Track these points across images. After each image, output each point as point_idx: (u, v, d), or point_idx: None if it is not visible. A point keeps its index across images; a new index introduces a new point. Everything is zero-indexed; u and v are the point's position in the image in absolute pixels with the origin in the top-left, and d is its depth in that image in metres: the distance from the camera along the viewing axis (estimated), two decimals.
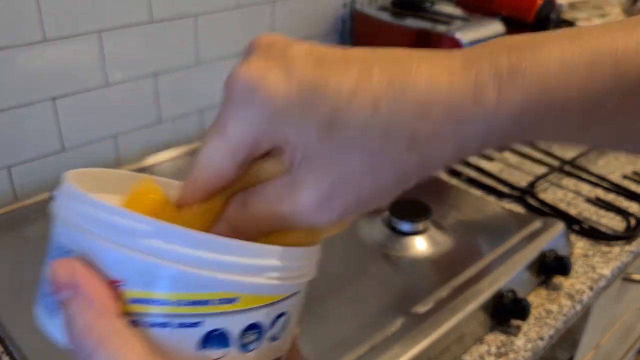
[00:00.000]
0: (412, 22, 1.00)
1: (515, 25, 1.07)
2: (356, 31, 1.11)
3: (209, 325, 0.23)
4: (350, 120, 0.22)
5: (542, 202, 0.84)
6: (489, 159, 0.97)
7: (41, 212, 0.75)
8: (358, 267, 0.67)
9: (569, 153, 1.01)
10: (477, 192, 0.87)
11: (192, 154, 0.91)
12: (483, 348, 0.61)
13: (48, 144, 0.82)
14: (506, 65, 0.21)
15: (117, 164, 0.90)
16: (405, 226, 0.72)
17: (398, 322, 0.58)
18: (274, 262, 0.24)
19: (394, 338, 0.56)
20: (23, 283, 0.63)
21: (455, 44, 0.95)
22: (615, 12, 1.31)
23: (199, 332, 0.23)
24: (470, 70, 0.22)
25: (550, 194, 0.88)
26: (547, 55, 0.21)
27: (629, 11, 1.57)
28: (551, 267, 0.69)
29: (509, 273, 0.65)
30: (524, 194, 0.86)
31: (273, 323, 0.26)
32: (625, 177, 0.94)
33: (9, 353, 0.56)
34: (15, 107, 0.77)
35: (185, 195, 0.25)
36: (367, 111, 0.22)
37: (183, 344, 0.23)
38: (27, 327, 0.57)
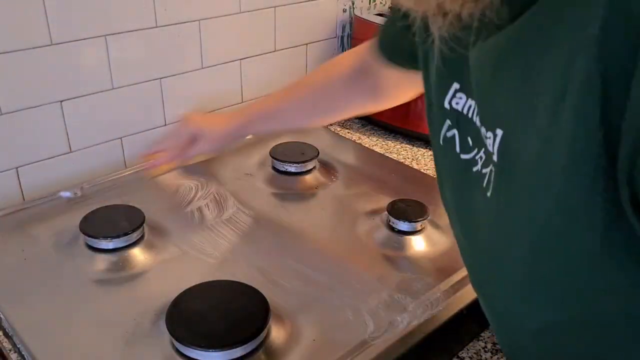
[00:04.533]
0: None
1: None
2: (355, 36, 1.13)
3: None
4: None
5: None
6: None
7: (48, 213, 0.76)
8: (358, 266, 0.68)
9: None
10: None
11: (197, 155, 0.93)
12: (479, 345, 0.62)
13: (55, 146, 0.83)
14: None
15: (123, 165, 0.91)
16: (403, 226, 0.73)
17: (396, 319, 0.60)
18: None
19: (392, 334, 0.58)
20: (30, 282, 0.65)
21: None
22: None
23: None
24: None
25: None
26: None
27: None
28: None
29: None
30: None
31: None
32: None
33: (16, 350, 0.57)
34: (23, 109, 0.79)
35: None
36: None
37: None
38: (34, 325, 0.59)
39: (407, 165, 0.95)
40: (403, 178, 0.89)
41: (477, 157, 0.40)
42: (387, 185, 0.86)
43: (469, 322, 0.62)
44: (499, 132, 0.35)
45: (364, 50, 0.66)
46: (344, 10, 1.15)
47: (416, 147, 1.04)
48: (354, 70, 0.67)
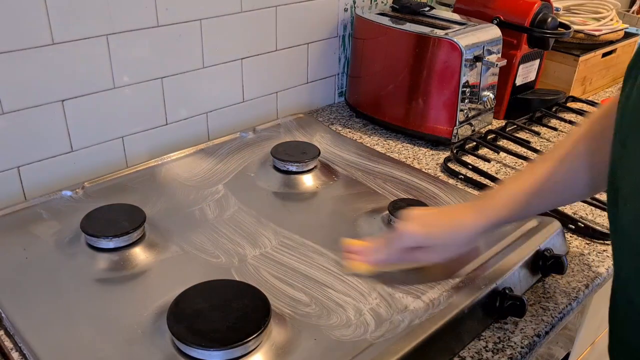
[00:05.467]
0: (410, 27, 1.02)
1: (512, 30, 1.09)
2: (357, 35, 1.13)
3: None
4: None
5: None
6: (486, 160, 0.99)
7: (49, 212, 0.76)
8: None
9: None
10: (475, 192, 0.88)
11: (198, 155, 0.93)
12: (480, 344, 0.62)
13: (57, 145, 0.84)
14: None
15: (124, 164, 0.92)
16: None
17: (397, 318, 0.60)
18: None
19: (393, 334, 0.58)
20: (31, 281, 0.65)
21: (454, 48, 0.96)
22: (611, 15, 1.33)
23: None
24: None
25: None
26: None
27: (624, 15, 1.59)
28: (547, 266, 0.71)
29: (506, 271, 0.67)
30: None
31: None
32: None
33: (18, 349, 0.58)
34: (25, 108, 0.79)
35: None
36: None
37: None
38: (35, 324, 0.59)
39: (409, 165, 0.95)
40: (404, 177, 0.89)
41: None
42: (388, 185, 0.86)
43: (470, 321, 0.62)
44: None
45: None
46: (345, 10, 1.15)
47: (417, 146, 1.04)
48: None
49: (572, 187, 0.60)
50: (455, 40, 0.96)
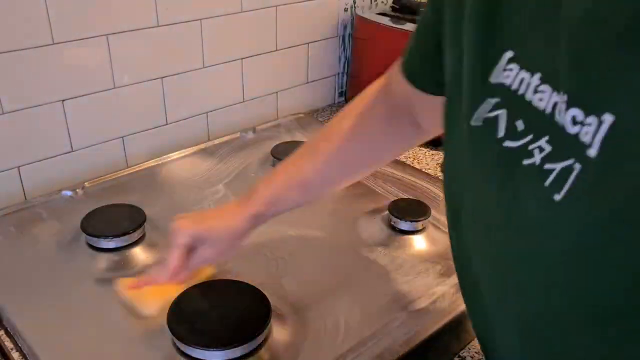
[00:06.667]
0: (410, 27, 1.02)
1: None
2: (356, 35, 1.13)
3: None
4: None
5: None
6: None
7: (49, 212, 0.76)
8: (359, 265, 0.68)
9: None
10: None
11: (198, 155, 0.93)
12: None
13: (57, 145, 0.84)
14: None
15: (124, 164, 0.92)
16: (404, 225, 0.73)
17: (397, 319, 0.60)
18: None
19: (393, 334, 0.58)
20: (32, 281, 0.65)
21: None
22: None
23: None
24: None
25: None
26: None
27: None
28: None
29: None
30: None
31: None
32: None
33: (18, 349, 0.58)
34: (25, 108, 0.79)
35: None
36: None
37: None
38: (35, 324, 0.59)
39: (409, 165, 0.95)
40: (404, 177, 0.89)
41: (532, 147, 0.32)
42: (388, 185, 0.86)
43: (470, 321, 0.62)
44: (608, 117, 0.28)
45: (386, 89, 0.61)
46: (345, 10, 1.14)
47: (417, 146, 1.04)
48: (385, 113, 0.61)
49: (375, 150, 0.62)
50: None
